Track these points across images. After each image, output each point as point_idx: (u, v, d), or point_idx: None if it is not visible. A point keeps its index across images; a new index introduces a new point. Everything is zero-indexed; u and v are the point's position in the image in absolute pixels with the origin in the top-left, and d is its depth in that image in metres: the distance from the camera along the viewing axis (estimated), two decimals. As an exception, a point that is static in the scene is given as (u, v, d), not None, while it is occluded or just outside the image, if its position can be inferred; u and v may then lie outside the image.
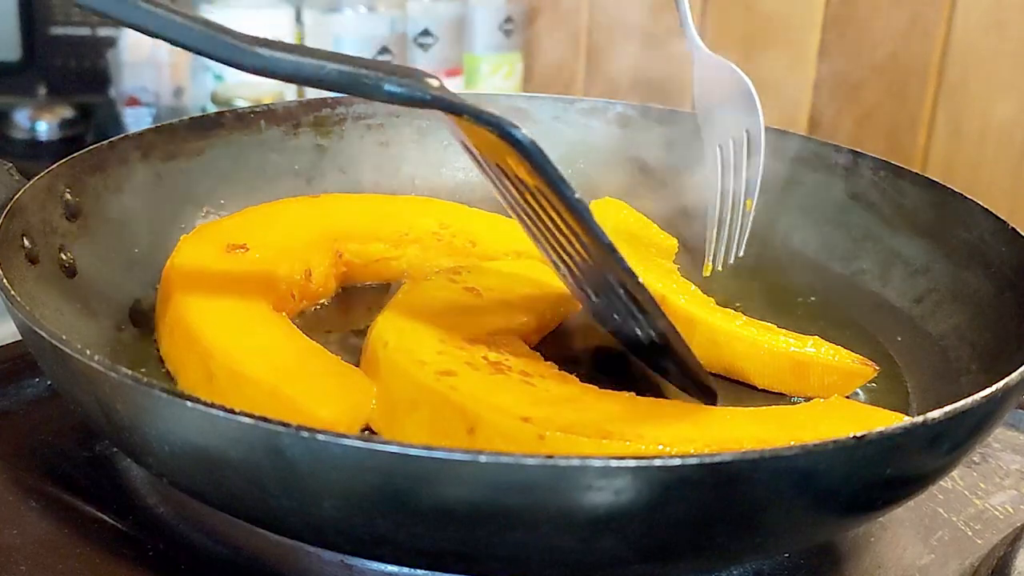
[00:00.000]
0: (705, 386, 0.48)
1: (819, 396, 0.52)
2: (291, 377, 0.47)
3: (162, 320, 0.53)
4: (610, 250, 0.42)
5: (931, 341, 0.57)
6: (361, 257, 0.59)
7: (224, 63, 0.42)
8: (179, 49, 0.44)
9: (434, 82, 0.41)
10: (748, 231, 0.64)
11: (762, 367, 0.54)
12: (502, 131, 0.40)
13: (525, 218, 0.47)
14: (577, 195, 0.41)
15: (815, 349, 0.53)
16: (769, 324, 0.56)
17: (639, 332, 0.47)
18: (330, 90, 0.42)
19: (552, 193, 0.42)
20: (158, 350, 0.53)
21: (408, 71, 0.41)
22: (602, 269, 0.45)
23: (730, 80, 0.67)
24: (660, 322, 0.45)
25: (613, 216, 0.65)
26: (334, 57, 0.41)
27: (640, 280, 0.43)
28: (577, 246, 0.45)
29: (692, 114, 0.73)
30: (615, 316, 0.48)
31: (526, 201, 0.45)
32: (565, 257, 0.46)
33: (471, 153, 0.47)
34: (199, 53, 0.42)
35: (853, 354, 0.53)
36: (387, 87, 0.40)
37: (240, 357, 0.48)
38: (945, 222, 0.60)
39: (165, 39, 0.42)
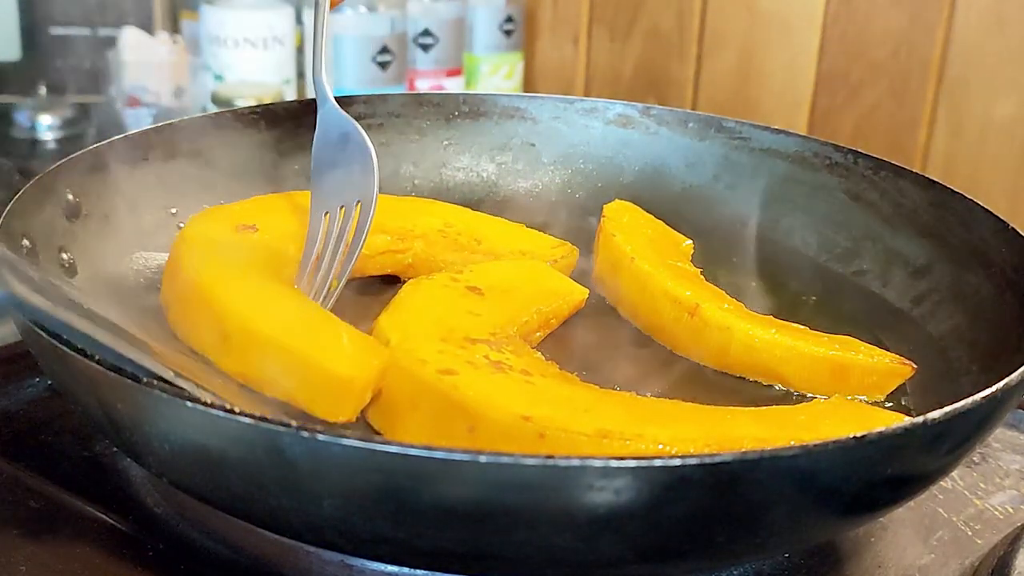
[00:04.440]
0: None
1: (858, 397, 0.53)
2: (306, 336, 0.47)
3: (171, 289, 0.53)
4: None
5: (931, 341, 0.57)
6: (367, 248, 0.59)
7: None
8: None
9: None
10: (333, 298, 0.56)
11: (801, 371, 0.54)
12: None
13: None
14: None
15: (854, 351, 0.53)
16: (802, 327, 0.56)
17: None
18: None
19: None
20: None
21: None
22: None
23: (353, 142, 0.59)
24: None
25: (627, 219, 0.65)
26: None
27: None
28: None
29: (693, 114, 0.73)
30: None
31: None
32: None
33: None
34: None
35: (890, 353, 0.54)
36: None
37: (255, 317, 0.48)
38: (945, 222, 0.60)
39: None
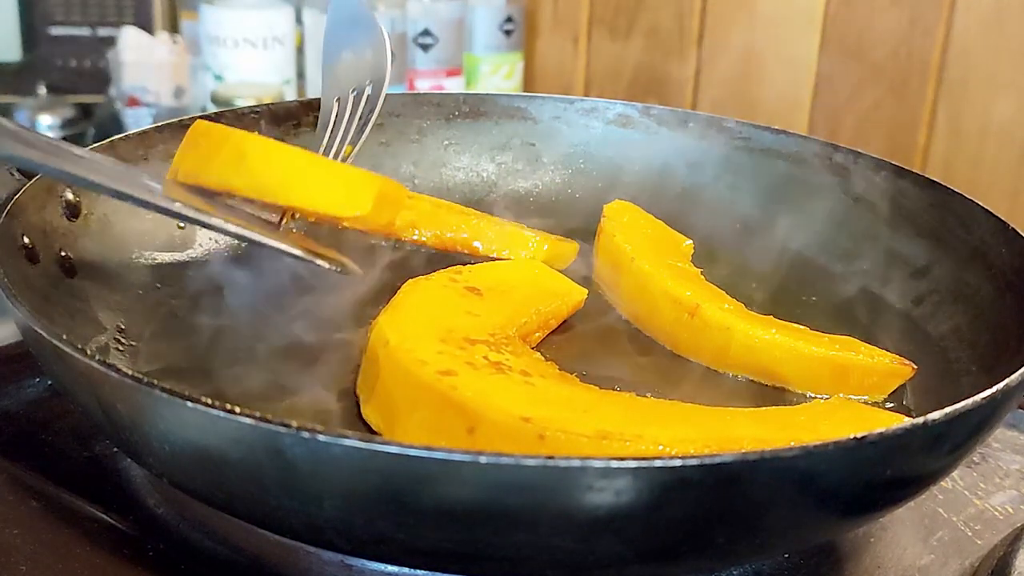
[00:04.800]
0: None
1: (857, 397, 0.53)
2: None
3: None
4: None
5: (931, 342, 0.57)
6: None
7: None
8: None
9: None
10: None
11: (801, 371, 0.54)
12: None
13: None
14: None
15: (854, 352, 0.53)
16: (802, 327, 0.56)
17: None
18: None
19: None
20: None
21: None
22: None
23: (363, 24, 0.60)
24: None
25: (627, 219, 0.65)
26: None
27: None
28: None
29: (693, 114, 0.73)
30: None
31: None
32: None
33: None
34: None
35: (890, 354, 0.54)
36: None
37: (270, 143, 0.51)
38: (945, 222, 0.60)
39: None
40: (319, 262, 0.51)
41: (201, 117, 0.65)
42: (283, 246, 0.50)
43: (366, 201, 0.51)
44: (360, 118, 0.57)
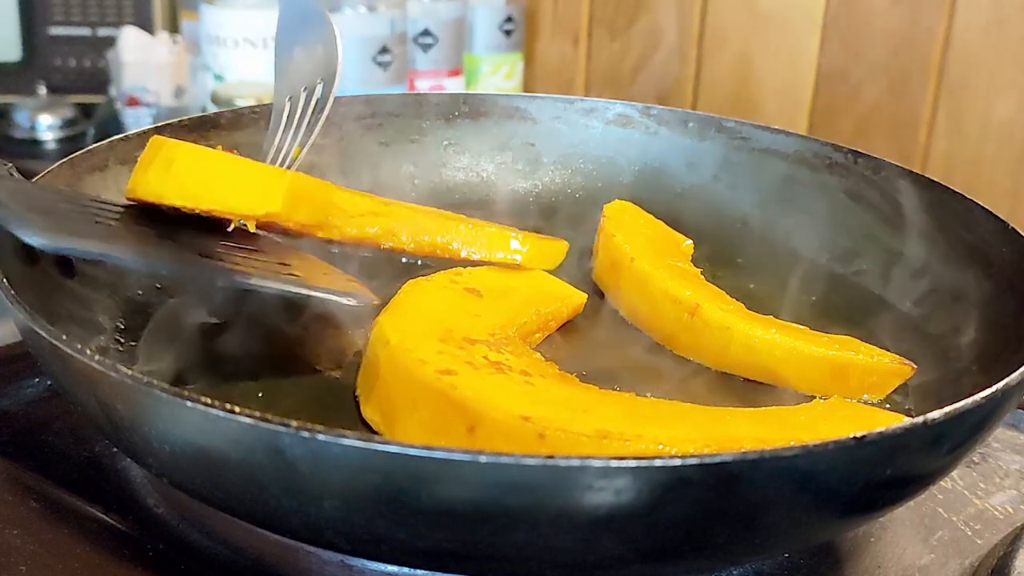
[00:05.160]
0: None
1: (857, 397, 0.53)
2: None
3: None
4: None
5: (931, 341, 0.57)
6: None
7: None
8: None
9: None
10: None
11: (801, 371, 0.54)
12: None
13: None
14: None
15: (854, 351, 0.53)
16: (802, 327, 0.56)
17: None
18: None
19: None
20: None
21: None
22: None
23: (314, 21, 0.58)
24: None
25: (627, 219, 0.65)
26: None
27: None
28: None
29: (693, 114, 0.73)
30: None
31: None
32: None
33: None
34: None
35: (890, 354, 0.54)
36: None
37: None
38: (945, 222, 0.60)
39: None
40: (340, 299, 0.51)
41: (201, 116, 0.65)
42: (304, 290, 0.50)
43: (275, 198, 0.51)
44: (311, 116, 0.56)
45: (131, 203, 0.52)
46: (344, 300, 0.52)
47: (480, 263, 0.61)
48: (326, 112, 0.55)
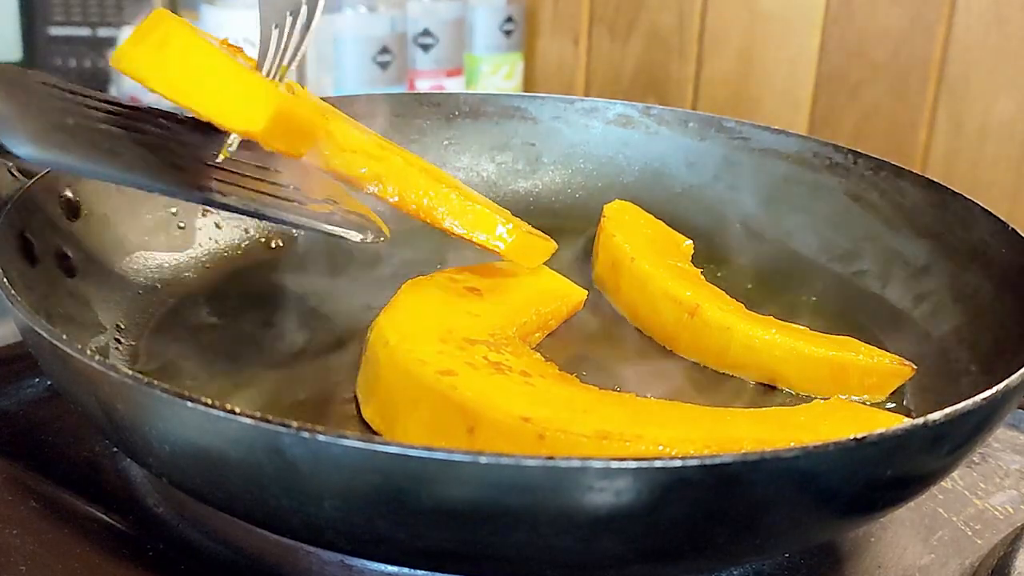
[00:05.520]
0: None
1: (857, 397, 0.53)
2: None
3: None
4: None
5: (931, 342, 0.57)
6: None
7: None
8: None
9: None
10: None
11: (801, 371, 0.54)
12: None
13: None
14: None
15: (854, 352, 0.53)
16: (802, 327, 0.56)
17: None
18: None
19: None
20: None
21: None
22: None
23: None
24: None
25: (627, 219, 0.65)
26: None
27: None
28: None
29: (693, 114, 0.73)
30: None
31: None
32: None
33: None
34: None
35: (890, 354, 0.54)
36: None
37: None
38: (945, 222, 0.60)
39: None
40: (349, 235, 0.49)
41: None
42: (320, 225, 0.49)
43: (258, 119, 0.47)
44: (297, 36, 0.54)
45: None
46: (353, 236, 0.50)
47: (459, 239, 0.57)
48: (312, 29, 0.53)
